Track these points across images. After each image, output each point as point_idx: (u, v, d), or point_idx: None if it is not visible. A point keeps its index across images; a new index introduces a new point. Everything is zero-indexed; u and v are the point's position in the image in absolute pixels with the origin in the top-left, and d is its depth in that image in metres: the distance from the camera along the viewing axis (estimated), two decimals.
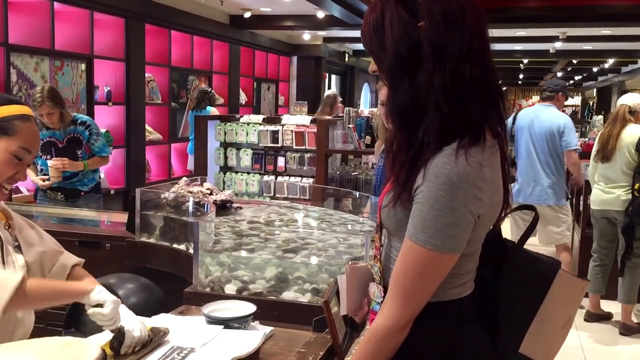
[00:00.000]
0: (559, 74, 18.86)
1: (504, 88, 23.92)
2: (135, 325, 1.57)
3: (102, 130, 6.32)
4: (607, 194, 4.29)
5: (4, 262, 1.55)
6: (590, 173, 4.50)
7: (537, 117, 4.57)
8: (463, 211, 1.13)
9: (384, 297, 1.24)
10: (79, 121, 3.96)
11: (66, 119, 3.85)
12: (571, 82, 22.93)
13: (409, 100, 1.18)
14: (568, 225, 4.66)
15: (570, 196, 5.02)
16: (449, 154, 1.13)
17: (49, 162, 3.82)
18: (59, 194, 4.01)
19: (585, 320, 4.46)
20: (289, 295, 2.12)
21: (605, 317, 4.51)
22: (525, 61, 15.75)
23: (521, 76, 21.49)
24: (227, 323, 1.75)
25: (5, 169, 1.56)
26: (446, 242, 1.14)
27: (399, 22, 1.18)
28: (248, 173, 5.55)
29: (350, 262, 1.37)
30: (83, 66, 6.13)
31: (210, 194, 2.87)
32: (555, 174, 4.48)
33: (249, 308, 1.81)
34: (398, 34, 1.18)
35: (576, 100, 23.68)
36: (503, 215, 1.32)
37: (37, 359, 0.90)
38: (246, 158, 5.54)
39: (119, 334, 1.54)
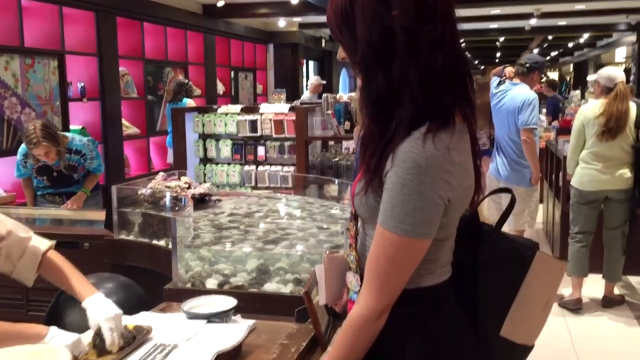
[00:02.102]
0: (535, 51, 18.95)
1: (482, 67, 23.99)
2: (114, 324, 1.56)
3: (77, 127, 6.25)
4: (606, 174, 4.12)
5: None
6: (575, 151, 4.26)
7: (504, 96, 4.45)
8: (432, 195, 1.12)
9: (360, 285, 1.23)
10: (73, 149, 3.98)
11: (63, 154, 3.84)
12: (547, 58, 23.06)
13: (383, 92, 1.16)
14: (531, 212, 4.49)
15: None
16: (417, 138, 1.12)
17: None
18: (57, 197, 4.05)
19: (604, 306, 4.34)
20: (270, 286, 2.11)
21: (620, 302, 4.39)
22: (502, 39, 15.81)
23: (498, 54, 21.59)
24: (208, 319, 1.73)
25: None
26: (416, 227, 1.13)
27: (370, 10, 1.15)
28: (228, 164, 5.51)
29: (327, 252, 1.36)
30: (55, 63, 6.01)
31: (189, 187, 2.84)
32: (520, 155, 4.34)
33: (230, 302, 1.79)
34: (371, 23, 1.15)
35: (553, 76, 23.82)
36: (478, 199, 1.32)
37: None
38: (226, 149, 5.50)
39: (100, 333, 1.53)
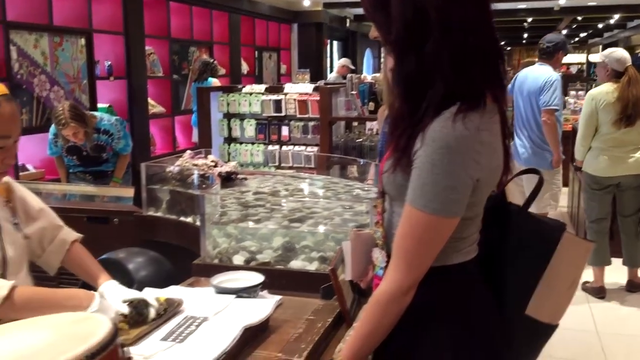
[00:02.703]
0: (564, 32, 18.60)
1: (508, 48, 23.62)
2: (152, 301, 1.61)
3: (105, 106, 6.34)
4: (623, 159, 4.05)
5: (2, 244, 1.59)
6: (586, 138, 4.16)
7: (527, 77, 4.39)
8: (461, 174, 1.14)
9: (387, 262, 1.25)
10: (102, 129, 4.03)
11: (90, 135, 3.90)
12: (576, 39, 22.64)
13: (415, 71, 1.17)
14: (553, 194, 4.41)
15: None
16: (447, 118, 1.13)
17: None
18: (87, 175, 4.13)
19: (629, 290, 4.30)
20: (296, 264, 2.15)
21: None
22: (529, 20, 15.54)
23: (525, 35, 21.22)
24: (236, 293, 1.77)
25: None
26: (445, 206, 1.15)
27: None
28: (252, 143, 5.55)
29: (354, 229, 1.38)
30: (82, 41, 6.08)
31: (215, 166, 2.87)
32: (541, 137, 4.29)
33: (257, 278, 1.83)
34: (405, 3, 1.16)
35: (580, 58, 23.38)
36: (506, 179, 1.33)
37: (51, 335, 0.92)
38: (250, 128, 5.54)
39: (137, 305, 1.59)
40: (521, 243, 1.37)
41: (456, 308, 1.26)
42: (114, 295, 1.62)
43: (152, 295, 1.67)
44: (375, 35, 1.27)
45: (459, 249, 1.25)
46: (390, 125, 1.24)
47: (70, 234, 1.82)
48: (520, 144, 4.42)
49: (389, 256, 1.25)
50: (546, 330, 1.41)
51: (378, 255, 1.31)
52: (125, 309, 1.56)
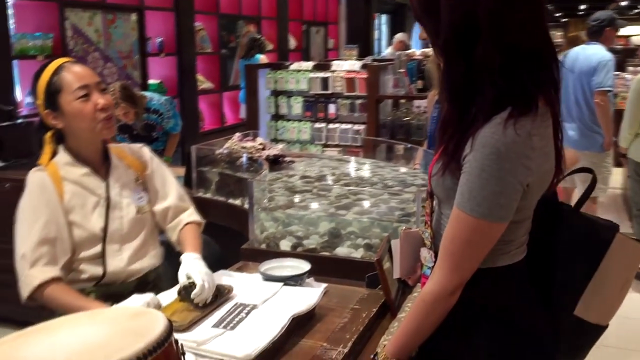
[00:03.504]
0: (623, 3, 17.82)
1: (564, 20, 22.79)
2: (205, 278, 1.68)
3: (156, 82, 6.45)
4: None
5: (107, 219, 1.81)
6: (632, 124, 4.02)
7: (578, 56, 4.25)
8: (511, 180, 1.13)
9: (434, 261, 1.26)
10: (151, 109, 4.11)
11: (140, 115, 3.98)
12: (635, 10, 21.66)
13: (464, 76, 1.16)
14: (603, 179, 4.27)
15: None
16: (497, 124, 1.12)
17: None
18: None
19: None
20: (342, 250, 2.17)
21: None
22: None
23: (582, 7, 20.41)
24: (284, 281, 1.81)
25: (85, 110, 1.76)
26: (493, 211, 1.14)
27: None
28: (299, 121, 5.57)
29: (404, 228, 1.40)
30: (135, 18, 6.18)
31: (263, 149, 2.91)
32: (592, 119, 4.17)
33: (304, 266, 1.86)
34: (455, 6, 1.15)
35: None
36: (558, 180, 1.31)
37: (108, 330, 0.97)
38: (297, 106, 5.56)
39: (187, 286, 1.66)
40: (572, 243, 1.35)
41: (502, 310, 1.26)
42: (189, 266, 1.73)
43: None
44: (424, 36, 1.26)
45: (507, 251, 1.25)
46: (440, 128, 1.23)
47: (189, 217, 1.98)
48: (570, 126, 4.31)
49: (436, 256, 1.26)
50: (594, 331, 1.40)
51: (426, 255, 1.32)
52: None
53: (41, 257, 1.71)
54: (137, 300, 1.60)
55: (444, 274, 1.20)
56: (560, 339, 1.38)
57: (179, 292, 1.67)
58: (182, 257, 1.80)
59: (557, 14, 22.81)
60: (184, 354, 1.03)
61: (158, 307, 1.61)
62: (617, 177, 6.23)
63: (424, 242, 1.34)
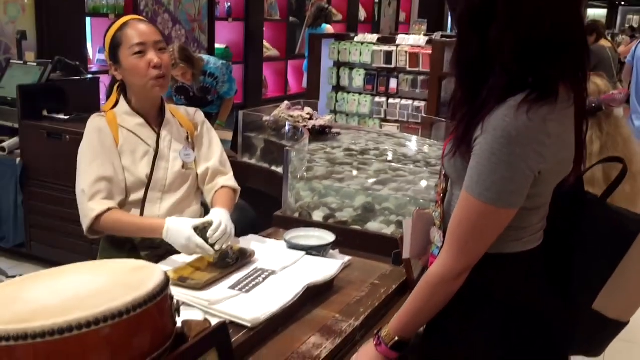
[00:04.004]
0: None
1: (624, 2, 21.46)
2: (223, 219, 1.77)
3: (222, 46, 6.54)
4: None
5: (153, 167, 1.90)
6: None
7: None
8: (521, 166, 1.09)
9: (443, 241, 1.24)
10: (208, 72, 4.17)
11: (197, 76, 4.05)
12: None
13: (476, 56, 1.12)
14: None
15: None
16: (511, 107, 1.07)
17: None
18: None
19: None
20: (373, 225, 2.16)
21: None
22: None
23: None
24: (306, 251, 1.82)
25: (139, 68, 1.85)
26: (502, 196, 1.11)
27: None
28: (360, 94, 5.52)
29: (418, 208, 1.37)
30: None
31: (310, 118, 2.91)
32: None
33: (329, 237, 1.87)
34: None
35: None
36: (584, 168, 1.25)
37: (106, 280, 1.01)
38: (358, 78, 5.50)
39: (202, 228, 1.72)
40: (595, 235, 1.30)
41: (509, 295, 1.23)
42: (213, 213, 1.83)
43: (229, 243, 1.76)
44: None
45: (518, 237, 1.21)
46: (451, 109, 1.20)
47: (226, 181, 2.03)
48: (637, 117, 4.09)
49: (445, 236, 1.24)
50: (614, 326, 1.36)
51: (435, 235, 1.30)
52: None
53: (99, 192, 1.83)
54: (177, 235, 1.72)
55: (450, 256, 1.18)
56: (578, 332, 1.34)
57: (195, 230, 1.72)
58: (213, 210, 1.88)
59: None
60: (178, 310, 1.06)
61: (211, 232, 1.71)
62: None
63: (434, 222, 1.31)
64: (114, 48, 1.87)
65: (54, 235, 3.65)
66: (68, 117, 3.70)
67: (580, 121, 1.18)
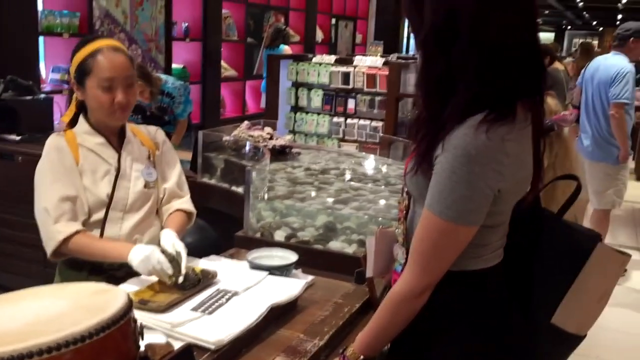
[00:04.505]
0: None
1: (600, 29, 22.40)
2: (175, 243, 1.77)
3: (179, 66, 6.50)
4: None
5: (114, 186, 1.87)
6: None
7: (599, 66, 4.19)
8: (480, 185, 1.11)
9: (406, 259, 1.26)
10: (165, 92, 4.11)
11: (155, 95, 4.00)
12: None
13: (440, 76, 1.15)
14: (617, 190, 4.21)
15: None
16: (471, 126, 1.10)
17: None
18: None
19: None
20: (335, 245, 2.17)
21: None
22: (624, 0, 14.66)
23: (619, 17, 20.06)
24: (269, 271, 1.81)
25: (103, 100, 1.82)
26: (462, 215, 1.13)
27: None
28: (318, 114, 5.57)
29: (380, 226, 1.39)
30: (162, 2, 6.22)
31: (270, 138, 2.92)
32: (609, 131, 4.09)
33: (291, 257, 1.87)
34: (438, 4, 1.14)
35: None
36: (540, 187, 1.29)
37: (68, 305, 0.98)
38: (317, 99, 5.55)
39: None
40: (552, 250, 1.34)
41: (471, 313, 1.25)
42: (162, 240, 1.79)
43: (190, 264, 1.74)
44: None
45: (479, 255, 1.23)
46: (413, 126, 1.22)
47: (181, 204, 2.02)
48: (585, 136, 4.24)
49: (408, 253, 1.25)
50: (572, 340, 1.39)
51: (398, 251, 1.32)
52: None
53: (64, 214, 1.79)
54: (140, 252, 1.69)
55: (412, 274, 1.19)
56: (537, 347, 1.37)
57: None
58: (162, 234, 1.86)
59: (594, 22, 22.41)
60: (141, 333, 1.04)
61: (172, 259, 1.68)
62: (636, 192, 6.12)
63: (396, 239, 1.33)
64: (82, 73, 1.83)
65: (6, 259, 3.54)
66: (20, 137, 3.61)
67: (538, 141, 1.22)
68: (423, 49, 1.18)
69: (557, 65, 7.01)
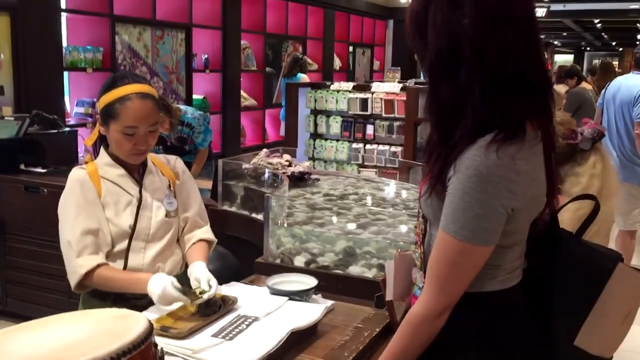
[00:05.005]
0: None
1: (620, 49, 22.28)
2: (205, 275, 1.80)
3: (200, 97, 6.61)
4: None
5: (137, 217, 1.90)
6: None
7: (620, 86, 4.18)
8: (493, 204, 1.12)
9: (424, 282, 1.26)
10: (185, 122, 4.17)
11: (175, 126, 4.07)
12: None
13: (447, 101, 1.17)
14: None
15: None
16: (481, 147, 1.12)
17: None
18: None
19: None
20: (355, 269, 2.17)
21: None
22: None
23: (639, 36, 19.95)
24: (289, 296, 1.82)
25: (124, 144, 1.86)
26: (476, 234, 1.14)
27: (442, 18, 1.16)
28: (337, 140, 5.59)
29: (399, 250, 1.40)
30: (182, 35, 6.37)
31: (289, 165, 2.94)
32: (633, 150, 4.06)
33: (311, 282, 1.87)
34: (440, 31, 1.16)
35: None
36: (556, 206, 1.29)
37: (90, 330, 1.00)
38: (335, 125, 5.59)
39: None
40: (572, 271, 1.32)
41: (490, 335, 1.24)
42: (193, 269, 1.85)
43: (213, 288, 1.76)
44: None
45: (495, 276, 1.23)
46: (425, 150, 1.24)
47: (202, 234, 2.05)
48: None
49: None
50: None
51: (417, 275, 1.32)
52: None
53: (86, 247, 1.82)
54: (155, 288, 1.71)
55: (430, 296, 1.19)
56: None
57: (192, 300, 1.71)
58: (194, 265, 1.89)
59: (614, 43, 22.32)
60: (162, 357, 1.05)
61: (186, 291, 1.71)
62: None
63: (414, 262, 1.34)
64: (107, 115, 1.85)
65: (31, 290, 3.59)
66: (45, 170, 3.69)
67: (549, 157, 1.22)
68: (429, 75, 1.21)
69: (585, 85, 7.01)
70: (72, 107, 5.43)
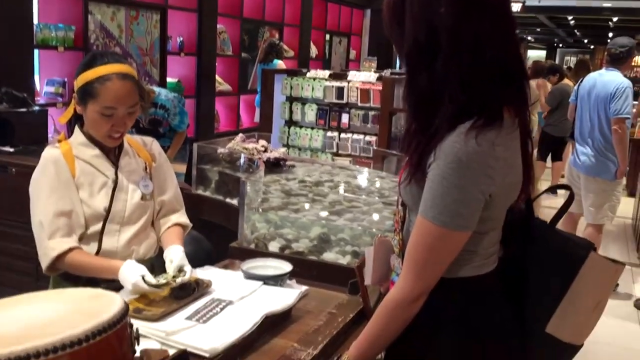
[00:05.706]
0: None
1: (591, 47, 22.63)
2: (179, 259, 1.79)
3: (174, 80, 6.52)
4: None
5: (112, 199, 1.86)
6: None
7: (596, 82, 4.22)
8: (472, 190, 1.13)
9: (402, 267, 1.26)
10: (159, 104, 4.07)
11: (146, 108, 3.97)
12: None
13: (426, 89, 1.18)
14: (612, 206, 4.24)
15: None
16: (460, 133, 1.13)
17: None
18: None
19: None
20: (329, 256, 2.18)
21: None
22: (615, 19, 14.85)
23: (610, 34, 20.31)
24: (264, 280, 1.82)
25: (101, 125, 1.82)
26: (454, 220, 1.15)
27: (419, 7, 1.16)
28: (312, 128, 5.58)
29: (379, 235, 1.40)
30: (157, 16, 6.27)
31: (265, 151, 2.93)
32: (606, 146, 4.13)
33: (286, 267, 1.87)
34: (418, 20, 1.17)
35: None
36: (532, 194, 1.31)
37: (66, 309, 0.98)
38: (311, 113, 5.57)
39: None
40: (546, 259, 1.35)
41: (465, 320, 1.26)
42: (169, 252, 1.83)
43: (187, 274, 1.74)
44: None
45: (472, 262, 1.25)
46: (404, 138, 1.24)
47: (178, 219, 2.03)
48: (583, 152, 4.27)
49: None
50: (568, 350, 1.39)
51: (395, 262, 1.33)
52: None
53: (58, 229, 1.78)
54: (132, 271, 1.67)
55: (406, 280, 1.20)
56: (532, 355, 1.37)
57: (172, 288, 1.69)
58: (170, 248, 1.87)
59: (585, 40, 22.67)
60: (137, 338, 1.04)
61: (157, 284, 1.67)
62: (628, 207, 6.16)
63: (393, 249, 1.34)
64: (85, 93, 1.80)
65: None
66: (14, 149, 3.61)
67: (526, 144, 1.24)
68: (407, 64, 1.21)
69: (567, 81, 7.12)
70: (42, 86, 5.32)
